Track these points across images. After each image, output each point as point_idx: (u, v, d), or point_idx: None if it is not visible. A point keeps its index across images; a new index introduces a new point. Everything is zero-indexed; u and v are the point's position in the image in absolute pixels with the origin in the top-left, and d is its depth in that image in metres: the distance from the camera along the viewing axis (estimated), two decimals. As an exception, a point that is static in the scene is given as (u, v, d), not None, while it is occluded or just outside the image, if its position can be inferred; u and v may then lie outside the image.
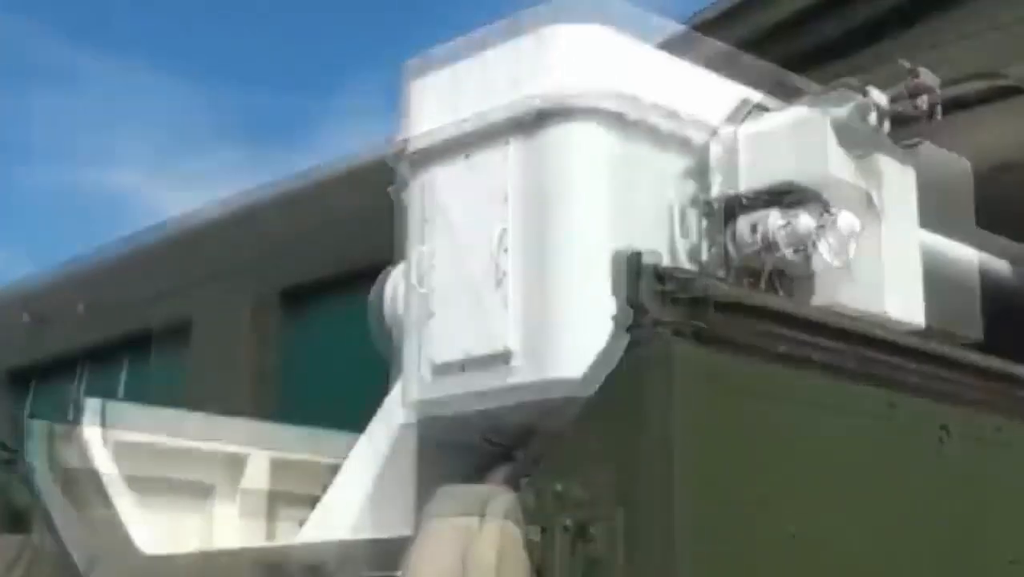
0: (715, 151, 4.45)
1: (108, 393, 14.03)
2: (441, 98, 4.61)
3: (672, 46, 4.91)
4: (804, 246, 4.34)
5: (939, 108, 4.58)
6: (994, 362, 3.66)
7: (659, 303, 3.11)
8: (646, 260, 3.22)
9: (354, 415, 5.41)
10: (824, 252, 4.29)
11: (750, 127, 4.49)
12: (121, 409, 5.27)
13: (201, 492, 5.54)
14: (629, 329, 3.14)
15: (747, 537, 3.00)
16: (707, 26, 7.64)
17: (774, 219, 4.31)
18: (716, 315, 3.11)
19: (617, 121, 4.32)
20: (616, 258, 3.33)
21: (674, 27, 4.79)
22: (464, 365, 4.35)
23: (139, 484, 4.98)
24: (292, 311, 13.13)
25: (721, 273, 4.32)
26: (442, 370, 4.45)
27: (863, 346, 3.41)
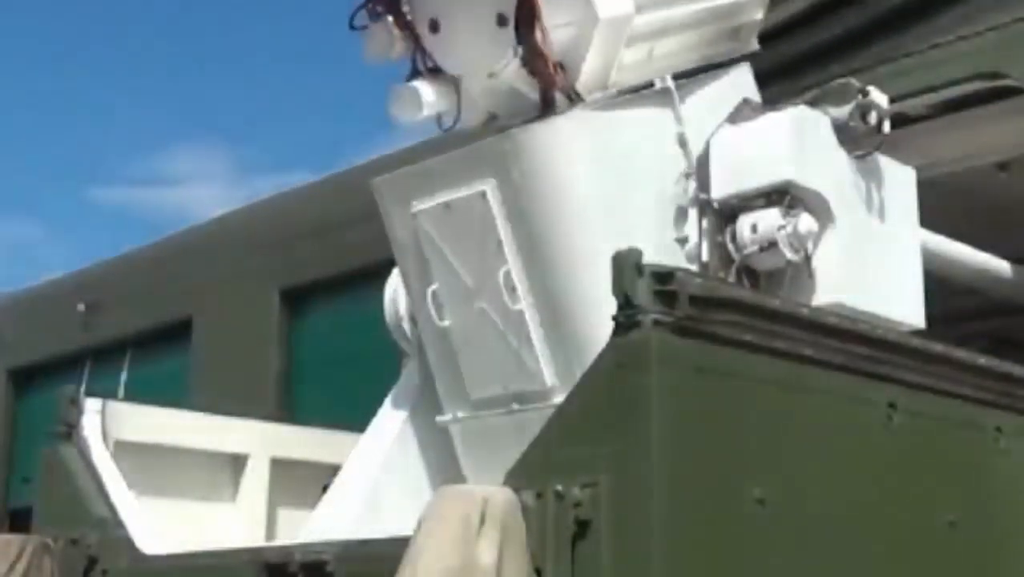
0: (715, 150, 4.44)
1: (157, 372, 14.24)
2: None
3: None
4: (804, 246, 4.34)
5: (887, 123, 4.59)
6: (936, 347, 4.09)
7: (647, 298, 3.27)
8: (634, 257, 3.31)
9: (355, 413, 5.42)
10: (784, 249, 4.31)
11: (748, 127, 4.49)
12: (121, 409, 5.27)
13: (201, 492, 5.54)
14: (616, 320, 3.30)
15: (718, 500, 3.29)
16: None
17: (774, 219, 4.31)
18: (691, 308, 3.30)
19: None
20: (615, 257, 3.36)
21: None
22: (504, 399, 4.40)
23: (139, 484, 4.98)
24: (293, 310, 13.13)
25: (722, 273, 4.33)
26: (481, 404, 4.51)
27: (824, 336, 3.70)
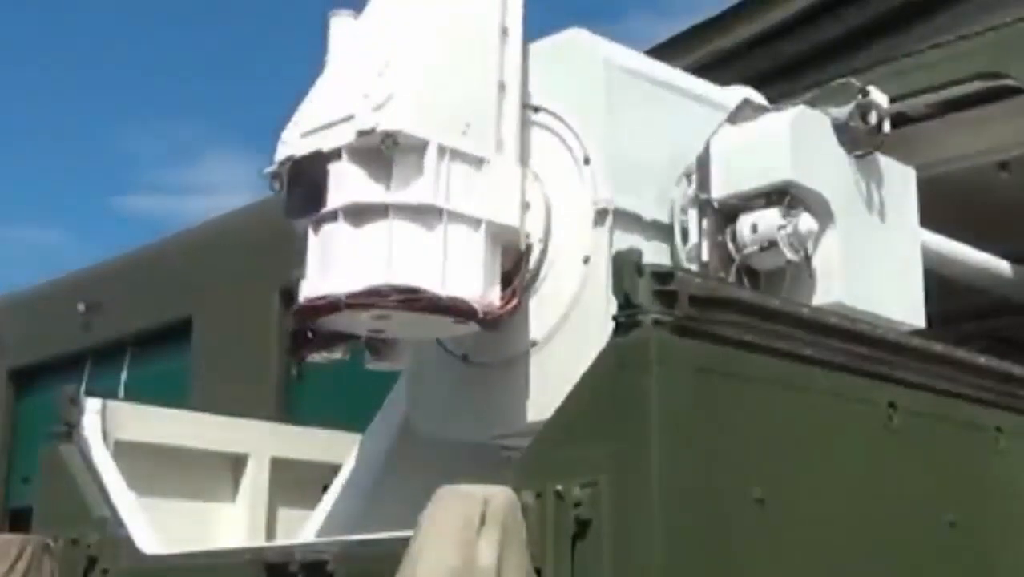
0: (715, 150, 4.44)
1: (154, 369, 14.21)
2: None
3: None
4: (804, 246, 4.34)
5: (887, 123, 4.60)
6: (936, 347, 4.11)
7: (647, 297, 3.28)
8: (634, 257, 3.32)
9: (356, 413, 5.43)
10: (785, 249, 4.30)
11: (748, 127, 4.49)
12: (121, 409, 5.27)
13: (201, 492, 5.54)
14: (616, 320, 3.32)
15: (718, 500, 3.29)
16: (706, 28, 7.64)
17: (774, 219, 4.31)
18: (691, 308, 3.31)
19: None
20: (615, 257, 3.37)
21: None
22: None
23: (139, 484, 4.98)
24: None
25: (722, 273, 4.32)
26: None
27: (824, 336, 3.71)
